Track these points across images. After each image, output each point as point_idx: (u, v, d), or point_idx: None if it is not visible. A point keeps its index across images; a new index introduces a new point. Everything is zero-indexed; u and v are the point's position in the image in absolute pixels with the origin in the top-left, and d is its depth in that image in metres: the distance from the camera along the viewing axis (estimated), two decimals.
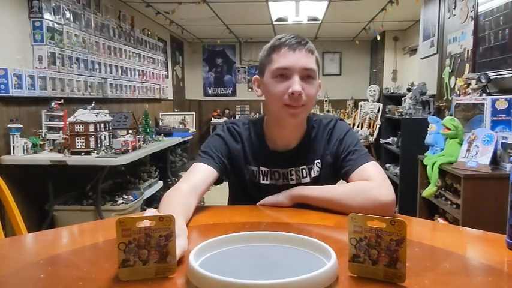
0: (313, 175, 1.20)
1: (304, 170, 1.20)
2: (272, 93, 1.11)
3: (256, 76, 1.21)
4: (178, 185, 1.08)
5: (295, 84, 1.06)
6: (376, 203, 1.01)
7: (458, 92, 2.97)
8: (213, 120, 7.22)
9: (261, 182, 1.21)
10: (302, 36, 1.13)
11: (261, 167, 1.21)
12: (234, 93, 7.66)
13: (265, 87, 1.15)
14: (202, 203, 4.39)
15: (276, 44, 1.12)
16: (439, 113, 3.43)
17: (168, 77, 6.02)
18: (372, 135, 6.12)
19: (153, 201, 4.02)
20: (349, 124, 6.69)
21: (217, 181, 1.19)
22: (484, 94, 2.55)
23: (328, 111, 7.27)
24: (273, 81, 1.11)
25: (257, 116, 1.30)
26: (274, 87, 1.10)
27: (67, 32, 3.16)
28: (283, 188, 1.17)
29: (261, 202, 1.17)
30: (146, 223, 0.66)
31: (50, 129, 2.85)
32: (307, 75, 1.09)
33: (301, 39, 1.11)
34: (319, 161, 1.21)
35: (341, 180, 1.22)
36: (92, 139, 2.64)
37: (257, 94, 1.21)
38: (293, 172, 1.20)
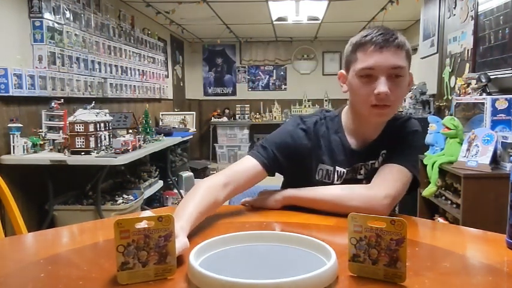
0: (376, 165, 1.15)
1: (373, 164, 1.16)
2: (358, 93, 1.07)
3: (342, 71, 1.15)
4: (214, 175, 1.05)
5: (382, 85, 1.01)
6: (369, 205, 0.99)
7: (458, 92, 2.97)
8: (213, 120, 7.22)
9: (335, 182, 1.15)
10: (391, 30, 1.05)
11: (337, 167, 1.14)
12: (234, 93, 7.66)
13: (350, 85, 1.10)
14: None
15: (361, 42, 1.05)
16: (439, 112, 3.43)
17: (168, 77, 6.02)
18: None
19: (153, 200, 4.02)
20: None
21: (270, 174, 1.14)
22: (484, 94, 2.54)
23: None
24: (358, 82, 1.06)
25: (331, 111, 1.23)
26: (359, 87, 1.06)
27: (67, 31, 3.16)
28: (350, 183, 1.13)
29: (246, 202, 1.14)
30: (145, 224, 0.66)
31: (50, 128, 2.85)
32: (395, 75, 1.03)
33: (389, 36, 1.03)
34: (385, 151, 1.16)
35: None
36: (92, 139, 2.64)
37: (342, 90, 1.14)
38: (362, 167, 1.16)
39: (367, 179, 1.15)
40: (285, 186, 1.24)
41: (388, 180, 1.04)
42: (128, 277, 0.65)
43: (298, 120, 1.17)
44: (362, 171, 1.16)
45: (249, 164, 1.09)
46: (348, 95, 1.14)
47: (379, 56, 1.02)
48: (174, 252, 0.67)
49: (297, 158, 1.14)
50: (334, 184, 1.14)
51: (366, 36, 1.05)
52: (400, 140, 1.13)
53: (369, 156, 1.16)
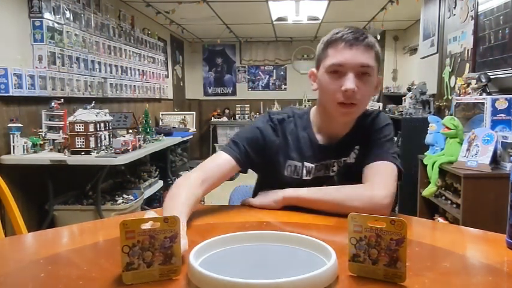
0: (348, 161, 1.17)
1: (345, 160, 1.17)
2: (326, 89, 1.09)
3: (313, 69, 1.17)
4: (191, 173, 1.07)
5: (349, 82, 1.03)
6: (370, 205, 0.99)
7: (458, 92, 2.97)
8: (213, 119, 7.22)
9: (304, 178, 1.17)
10: (361, 30, 1.09)
11: (305, 163, 1.16)
12: (234, 93, 7.66)
13: (319, 81, 1.12)
14: (202, 203, 4.38)
15: (332, 39, 1.08)
16: (439, 112, 3.43)
17: (168, 77, 6.02)
18: None
19: (153, 200, 4.02)
20: None
21: (243, 171, 1.17)
22: (484, 94, 2.54)
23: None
24: (327, 77, 1.08)
25: (301, 108, 1.25)
26: (327, 83, 1.08)
27: (67, 31, 3.16)
28: (324, 181, 1.14)
29: (247, 202, 1.15)
30: (150, 225, 0.66)
31: (50, 128, 2.85)
32: (362, 73, 1.06)
33: (359, 34, 1.06)
34: (358, 147, 1.17)
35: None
36: (92, 139, 2.64)
37: (312, 88, 1.16)
38: (335, 164, 1.17)
39: (340, 176, 1.17)
40: (258, 182, 1.28)
41: (384, 179, 1.05)
42: (132, 277, 0.65)
43: (267, 117, 1.21)
44: (335, 168, 1.17)
45: (223, 159, 1.11)
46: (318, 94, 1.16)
47: (348, 53, 1.05)
48: (179, 253, 0.67)
49: (266, 154, 1.16)
50: (303, 179, 1.16)
51: (337, 33, 1.08)
52: (374, 136, 1.15)
53: (341, 152, 1.17)
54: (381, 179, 1.05)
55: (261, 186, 1.24)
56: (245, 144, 1.14)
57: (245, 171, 1.19)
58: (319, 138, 1.18)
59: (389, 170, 1.08)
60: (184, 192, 0.98)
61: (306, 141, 1.18)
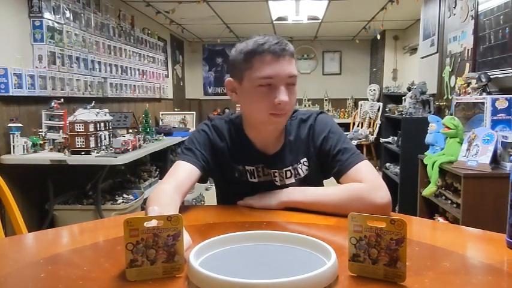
0: (302, 175, 1.18)
1: (288, 172, 1.18)
2: (256, 102, 1.07)
3: (230, 79, 1.13)
4: (162, 185, 1.05)
5: (282, 94, 1.03)
6: (373, 207, 0.99)
7: (458, 91, 2.97)
8: None
9: (250, 180, 1.18)
10: (283, 40, 1.08)
11: (246, 166, 1.18)
12: None
13: (245, 94, 1.09)
14: (203, 202, 4.38)
15: (258, 50, 1.05)
16: (439, 112, 3.43)
17: (168, 76, 6.02)
18: (372, 135, 6.12)
19: None
20: (349, 123, 6.71)
21: (201, 180, 1.17)
22: (484, 93, 2.54)
23: (328, 110, 7.27)
24: (256, 91, 1.06)
25: (235, 114, 1.24)
26: (258, 96, 1.06)
27: (67, 31, 3.16)
28: (270, 186, 1.15)
29: (245, 203, 1.14)
30: (154, 223, 0.67)
31: (50, 128, 2.85)
32: (291, 83, 1.07)
33: (284, 45, 1.05)
34: (305, 159, 1.18)
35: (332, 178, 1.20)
36: (92, 138, 2.64)
37: (232, 99, 1.14)
38: (276, 174, 1.17)
39: (289, 186, 1.17)
40: (217, 187, 1.31)
41: (374, 178, 1.06)
42: (136, 274, 0.66)
43: (209, 122, 1.22)
44: (277, 179, 1.17)
45: (186, 169, 1.11)
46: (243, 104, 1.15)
47: (277, 65, 1.04)
48: (182, 251, 0.68)
49: (217, 157, 1.18)
50: (250, 182, 1.17)
51: (262, 44, 1.05)
52: (328, 145, 1.15)
53: (281, 164, 1.17)
54: (372, 180, 1.05)
55: (219, 190, 1.30)
56: (200, 149, 1.15)
57: (206, 178, 1.20)
58: (253, 142, 1.18)
59: (369, 168, 1.09)
60: (168, 201, 0.97)
61: (241, 144, 1.18)
